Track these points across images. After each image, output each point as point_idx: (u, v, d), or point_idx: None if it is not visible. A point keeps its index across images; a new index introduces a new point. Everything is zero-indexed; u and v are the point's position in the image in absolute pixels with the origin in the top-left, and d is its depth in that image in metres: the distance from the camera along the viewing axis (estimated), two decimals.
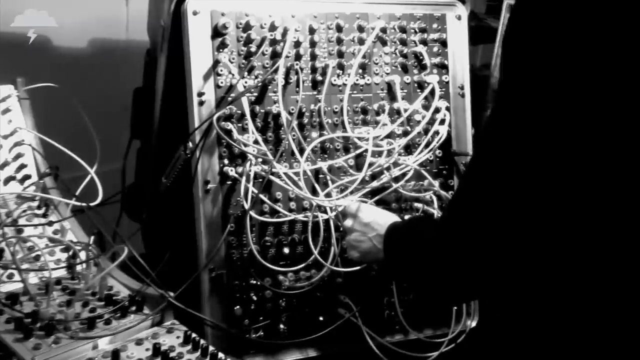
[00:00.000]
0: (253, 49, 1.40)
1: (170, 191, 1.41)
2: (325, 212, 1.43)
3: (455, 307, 1.56)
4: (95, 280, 1.25)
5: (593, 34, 0.88)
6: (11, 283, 1.25)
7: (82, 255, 1.32)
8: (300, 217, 1.44)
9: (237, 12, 1.39)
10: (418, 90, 1.54)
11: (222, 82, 1.38)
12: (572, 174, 0.92)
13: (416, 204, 1.51)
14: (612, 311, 0.99)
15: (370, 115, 1.50)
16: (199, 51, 1.37)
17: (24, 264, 1.28)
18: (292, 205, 1.45)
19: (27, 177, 1.47)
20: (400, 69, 1.53)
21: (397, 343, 1.50)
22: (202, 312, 1.37)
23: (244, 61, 1.40)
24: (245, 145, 1.38)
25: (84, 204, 1.43)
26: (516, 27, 0.95)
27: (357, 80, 1.49)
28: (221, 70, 1.38)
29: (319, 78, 1.45)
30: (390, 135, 1.49)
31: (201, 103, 1.37)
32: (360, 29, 1.49)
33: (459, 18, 1.58)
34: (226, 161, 1.39)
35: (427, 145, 1.51)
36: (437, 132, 1.51)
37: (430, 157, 1.53)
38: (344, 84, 1.47)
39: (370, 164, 1.44)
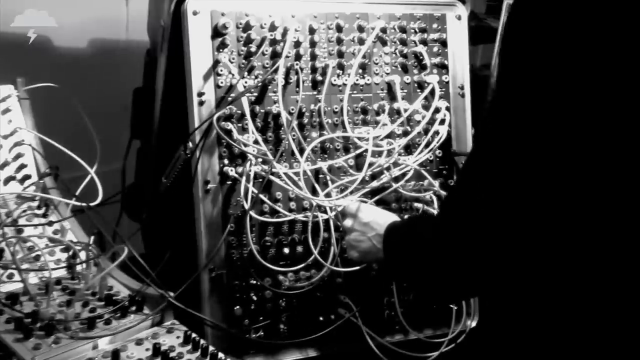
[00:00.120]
0: (253, 49, 1.40)
1: (170, 191, 1.41)
2: (325, 212, 1.43)
3: (456, 307, 1.56)
4: (95, 280, 1.25)
5: (590, 30, 0.88)
6: (11, 283, 1.25)
7: (82, 255, 1.32)
8: (300, 217, 1.44)
9: (237, 12, 1.39)
10: (418, 90, 1.54)
11: (222, 82, 1.38)
12: (568, 171, 0.92)
13: (416, 204, 1.51)
14: (611, 310, 0.99)
15: (370, 115, 1.50)
16: (199, 51, 1.37)
17: (24, 264, 1.28)
18: (292, 205, 1.45)
19: (27, 177, 1.47)
20: (400, 69, 1.53)
21: (397, 343, 1.50)
22: (202, 312, 1.37)
23: (244, 61, 1.40)
24: (245, 145, 1.38)
25: (84, 204, 1.43)
26: (515, 24, 0.95)
27: (357, 80, 1.49)
28: (221, 70, 1.38)
29: (319, 78, 1.45)
30: (390, 135, 1.49)
31: (201, 103, 1.37)
32: (360, 29, 1.49)
33: (459, 18, 1.58)
34: (226, 161, 1.39)
35: (427, 145, 1.51)
36: (437, 132, 1.51)
37: (430, 157, 1.53)
38: (344, 84, 1.47)
39: (370, 164, 1.44)
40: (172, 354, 1.12)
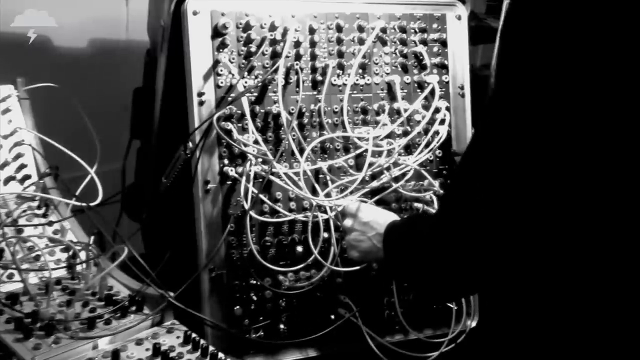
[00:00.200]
0: (253, 49, 1.40)
1: (170, 191, 1.41)
2: (325, 212, 1.43)
3: (456, 307, 1.56)
4: (95, 280, 1.25)
5: (590, 23, 0.88)
6: (11, 283, 1.25)
7: (82, 255, 1.32)
8: (300, 217, 1.44)
9: (237, 12, 1.39)
10: (418, 90, 1.54)
11: (222, 82, 1.38)
12: (567, 169, 0.92)
13: (416, 204, 1.51)
14: (611, 309, 0.99)
15: (370, 115, 1.50)
16: (199, 51, 1.36)
17: (24, 264, 1.28)
18: (292, 205, 1.45)
19: (27, 177, 1.47)
20: (400, 69, 1.53)
21: (397, 343, 1.50)
22: (202, 312, 1.37)
23: (244, 61, 1.40)
24: (245, 145, 1.38)
25: (84, 204, 1.43)
26: (514, 18, 0.95)
27: (357, 80, 1.49)
28: (221, 70, 1.38)
29: (319, 78, 1.45)
30: (390, 135, 1.49)
31: (201, 103, 1.37)
32: (360, 29, 1.49)
33: (459, 18, 1.58)
34: (226, 161, 1.39)
35: (427, 145, 1.51)
36: (437, 132, 1.51)
37: (430, 157, 1.53)
38: (344, 84, 1.47)
39: (370, 164, 1.44)
40: (172, 354, 1.12)
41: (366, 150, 1.44)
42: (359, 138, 1.45)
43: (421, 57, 1.54)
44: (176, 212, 1.44)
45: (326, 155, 1.47)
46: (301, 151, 1.42)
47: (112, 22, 2.06)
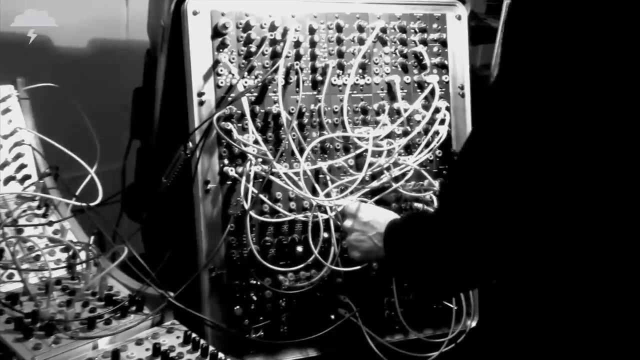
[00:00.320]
0: (253, 49, 1.40)
1: (170, 191, 1.41)
2: (325, 212, 1.43)
3: (456, 307, 1.56)
4: (95, 280, 1.25)
5: (590, 24, 0.88)
6: (11, 283, 1.25)
7: (82, 255, 1.32)
8: (300, 217, 1.44)
9: (237, 12, 1.39)
10: (418, 90, 1.54)
11: (222, 82, 1.38)
12: (565, 166, 0.92)
13: (416, 204, 1.51)
14: (610, 308, 0.99)
15: (370, 115, 1.50)
16: (199, 51, 1.37)
17: (24, 264, 1.28)
18: (292, 205, 1.45)
19: (27, 177, 1.47)
20: (400, 69, 1.53)
21: (397, 343, 1.50)
22: (202, 312, 1.37)
23: (244, 61, 1.40)
24: (245, 145, 1.38)
25: (84, 204, 1.43)
26: (517, 16, 0.95)
27: (357, 80, 1.49)
28: (221, 70, 1.38)
29: (319, 78, 1.45)
30: (390, 135, 1.49)
31: (201, 103, 1.37)
32: (360, 29, 1.49)
33: (459, 18, 1.58)
34: (226, 161, 1.39)
35: (427, 145, 1.51)
36: (437, 132, 1.51)
37: (430, 157, 1.53)
38: (344, 84, 1.47)
39: (370, 164, 1.44)
40: (172, 354, 1.12)
41: (366, 150, 1.44)
42: (359, 138, 1.45)
43: (421, 57, 1.54)
44: (176, 212, 1.44)
45: (326, 155, 1.47)
46: (301, 151, 1.42)
47: (112, 22, 2.06)
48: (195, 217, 1.38)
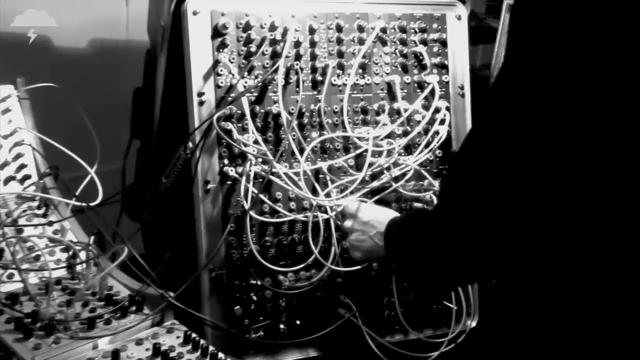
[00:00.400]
0: (253, 49, 1.40)
1: (170, 191, 1.41)
2: (325, 212, 1.43)
3: (456, 307, 1.56)
4: (95, 280, 1.25)
5: (594, 24, 0.88)
6: (11, 283, 1.25)
7: (82, 255, 1.32)
8: (300, 217, 1.44)
9: (237, 12, 1.39)
10: (418, 90, 1.54)
11: (222, 82, 1.38)
12: (565, 165, 0.92)
13: (416, 204, 1.51)
14: (610, 307, 0.98)
15: (370, 115, 1.50)
16: (199, 51, 1.36)
17: (24, 264, 1.28)
18: (292, 205, 1.45)
19: (27, 177, 1.47)
20: (400, 69, 1.53)
21: (397, 343, 1.50)
22: (202, 312, 1.37)
23: (244, 61, 1.40)
24: (245, 145, 1.38)
25: (84, 204, 1.43)
26: (521, 13, 0.95)
27: (357, 80, 1.49)
28: (221, 70, 1.38)
29: (319, 78, 1.45)
30: (390, 135, 1.49)
31: (201, 103, 1.37)
32: (360, 29, 1.49)
33: (459, 18, 1.58)
34: (226, 161, 1.39)
35: (427, 145, 1.51)
36: (437, 132, 1.51)
37: (430, 157, 1.53)
38: (344, 84, 1.47)
39: (370, 164, 1.44)
40: (172, 354, 1.12)
41: (366, 150, 1.44)
42: (359, 138, 1.45)
43: (421, 57, 1.54)
44: (176, 212, 1.44)
45: (326, 155, 1.47)
46: (301, 151, 1.42)
47: (112, 22, 2.06)
48: (195, 217, 1.38)
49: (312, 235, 1.43)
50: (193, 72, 1.36)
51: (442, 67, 1.56)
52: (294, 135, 1.41)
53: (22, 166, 1.47)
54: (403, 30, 1.53)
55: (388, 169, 1.47)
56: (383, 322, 1.52)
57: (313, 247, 1.42)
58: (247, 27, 1.40)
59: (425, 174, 1.50)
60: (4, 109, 1.49)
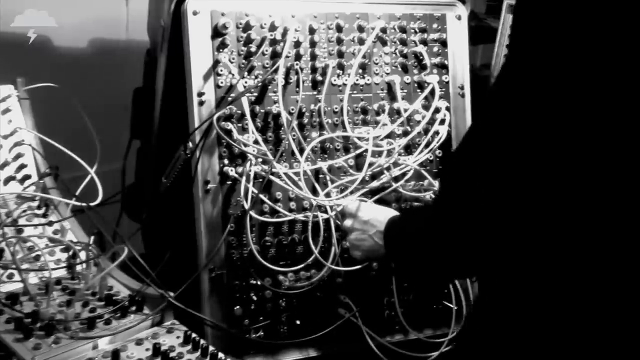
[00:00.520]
0: (253, 49, 1.40)
1: (170, 191, 1.41)
2: (325, 212, 1.43)
3: (456, 307, 1.56)
4: (95, 280, 1.25)
5: (595, 24, 0.88)
6: (11, 283, 1.25)
7: (82, 255, 1.32)
8: (300, 217, 1.44)
9: (237, 12, 1.39)
10: (418, 90, 1.54)
11: (222, 82, 1.38)
12: (564, 163, 0.92)
13: (416, 204, 1.51)
14: (609, 307, 0.98)
15: (370, 115, 1.50)
16: (199, 51, 1.37)
17: (24, 264, 1.28)
18: (292, 205, 1.45)
19: (27, 177, 1.47)
20: (400, 69, 1.53)
21: (397, 343, 1.50)
22: (202, 312, 1.37)
23: (244, 61, 1.40)
24: (245, 145, 1.38)
25: (84, 204, 1.43)
26: (523, 12, 0.95)
27: (357, 80, 1.49)
28: (221, 70, 1.38)
29: (319, 78, 1.46)
30: (390, 135, 1.49)
31: (201, 103, 1.37)
32: (360, 29, 1.49)
33: (459, 18, 1.58)
34: (226, 161, 1.39)
35: (427, 145, 1.51)
36: (437, 132, 1.51)
37: (430, 157, 1.53)
38: (344, 84, 1.47)
39: (370, 164, 1.44)
40: (172, 354, 1.12)
41: (366, 150, 1.44)
42: (359, 138, 1.45)
43: (421, 57, 1.54)
44: (176, 212, 1.44)
45: (326, 155, 1.47)
46: (301, 151, 1.42)
47: (112, 22, 2.06)
48: (195, 217, 1.38)
49: (312, 235, 1.43)
50: (193, 72, 1.36)
51: (442, 67, 1.56)
52: (294, 135, 1.41)
53: (22, 166, 1.47)
54: (403, 30, 1.53)
55: (388, 169, 1.47)
56: (383, 322, 1.52)
57: (313, 247, 1.42)
58: (247, 27, 1.40)
59: (425, 174, 1.50)
60: (4, 109, 1.49)
